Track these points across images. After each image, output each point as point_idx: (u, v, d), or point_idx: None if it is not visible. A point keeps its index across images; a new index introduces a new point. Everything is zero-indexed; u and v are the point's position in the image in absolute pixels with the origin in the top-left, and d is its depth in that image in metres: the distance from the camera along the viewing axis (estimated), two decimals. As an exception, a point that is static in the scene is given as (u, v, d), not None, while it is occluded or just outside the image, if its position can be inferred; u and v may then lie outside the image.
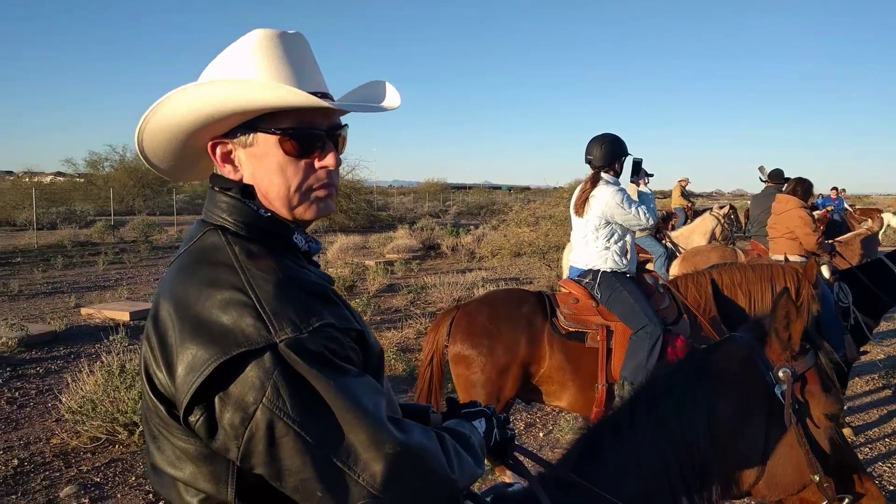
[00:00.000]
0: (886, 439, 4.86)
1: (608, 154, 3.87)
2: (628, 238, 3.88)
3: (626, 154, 3.94)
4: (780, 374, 1.38)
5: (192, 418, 0.90)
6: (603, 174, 3.88)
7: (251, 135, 1.06)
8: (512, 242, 15.30)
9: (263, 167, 1.07)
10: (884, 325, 7.71)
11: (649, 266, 7.00)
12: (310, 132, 1.06)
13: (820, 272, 4.85)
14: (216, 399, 0.88)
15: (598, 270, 3.76)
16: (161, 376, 0.94)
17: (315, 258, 1.18)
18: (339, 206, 24.82)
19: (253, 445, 0.87)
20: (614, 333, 3.63)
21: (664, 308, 3.68)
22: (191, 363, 0.89)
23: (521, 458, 1.37)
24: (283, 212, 1.08)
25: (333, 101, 1.12)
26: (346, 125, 1.16)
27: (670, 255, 8.13)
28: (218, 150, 1.10)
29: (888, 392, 5.91)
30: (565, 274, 5.97)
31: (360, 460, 0.89)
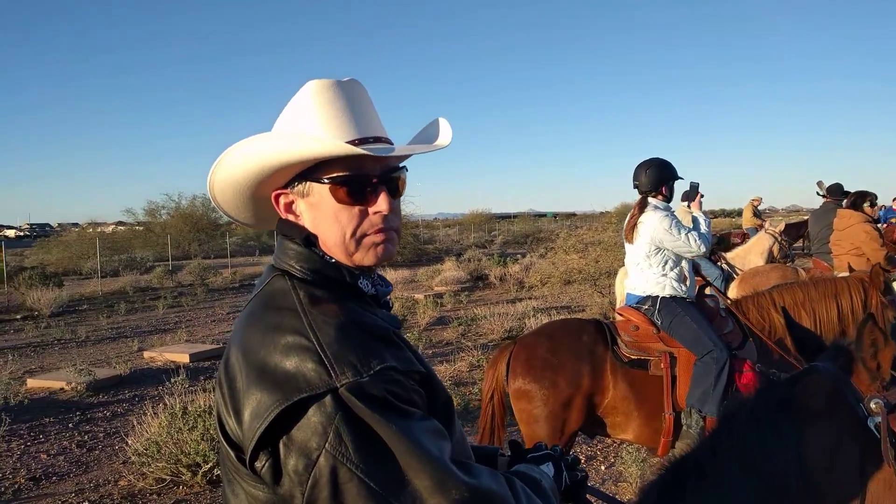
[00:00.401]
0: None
1: (655, 179, 3.82)
2: (685, 263, 3.79)
3: (675, 178, 3.88)
4: (873, 405, 1.28)
5: (258, 464, 0.90)
6: (651, 199, 3.83)
7: (306, 184, 1.09)
8: (561, 270, 15.11)
9: (320, 215, 1.09)
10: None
11: (707, 290, 6.80)
12: (359, 179, 1.07)
13: (891, 288, 4.62)
14: (281, 445, 0.89)
15: (658, 297, 3.68)
16: (231, 422, 0.95)
17: (388, 299, 1.19)
18: (388, 242, 25.10)
19: (317, 492, 0.86)
20: (678, 360, 3.53)
21: (728, 332, 3.55)
22: (256, 409, 0.90)
23: (596, 500, 1.32)
24: (342, 258, 1.09)
25: (391, 144, 1.14)
26: (402, 167, 1.16)
27: (727, 277, 7.89)
28: (281, 201, 1.13)
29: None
30: (619, 300, 5.85)
31: None
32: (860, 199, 6.20)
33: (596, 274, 13.36)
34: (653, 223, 3.72)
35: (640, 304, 3.76)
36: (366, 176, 1.07)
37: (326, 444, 0.86)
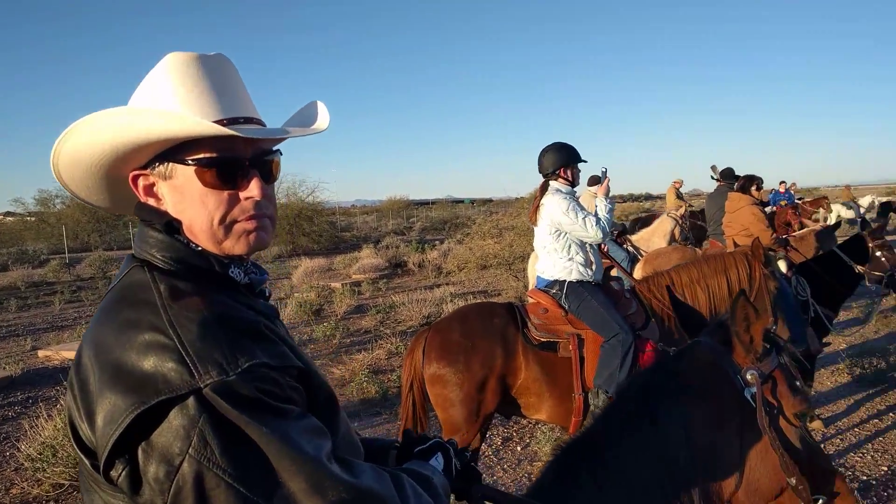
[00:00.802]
0: (855, 429, 4.98)
1: (554, 161, 3.90)
2: (590, 247, 3.91)
3: (576, 161, 3.92)
4: (749, 376, 1.36)
5: (113, 472, 0.83)
6: (552, 182, 3.92)
7: (168, 165, 1.01)
8: (477, 255, 15.33)
9: (185, 200, 1.01)
10: (843, 315, 7.94)
11: (613, 272, 7.07)
12: (228, 161, 1.00)
13: (771, 260, 4.97)
14: (139, 451, 0.82)
15: (565, 281, 3.79)
16: (84, 427, 0.88)
17: (265, 287, 1.12)
18: (301, 230, 24.58)
19: (181, 500, 0.80)
20: (586, 342, 3.65)
21: (632, 313, 3.71)
22: (110, 413, 0.83)
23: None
24: (209, 246, 1.02)
25: (263, 125, 1.07)
26: (277, 150, 1.10)
27: (632, 259, 8.23)
28: (140, 183, 1.04)
29: (853, 381, 6.07)
30: (531, 284, 5.99)
31: None
32: (748, 183, 6.59)
33: (511, 258, 13.65)
34: (552, 206, 3.81)
35: (549, 287, 3.86)
36: (236, 159, 1.00)
37: (190, 449, 0.80)
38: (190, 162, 0.99)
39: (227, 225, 1.01)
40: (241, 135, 0.98)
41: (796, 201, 16.99)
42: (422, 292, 11.28)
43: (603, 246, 5.52)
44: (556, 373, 3.60)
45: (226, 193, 1.00)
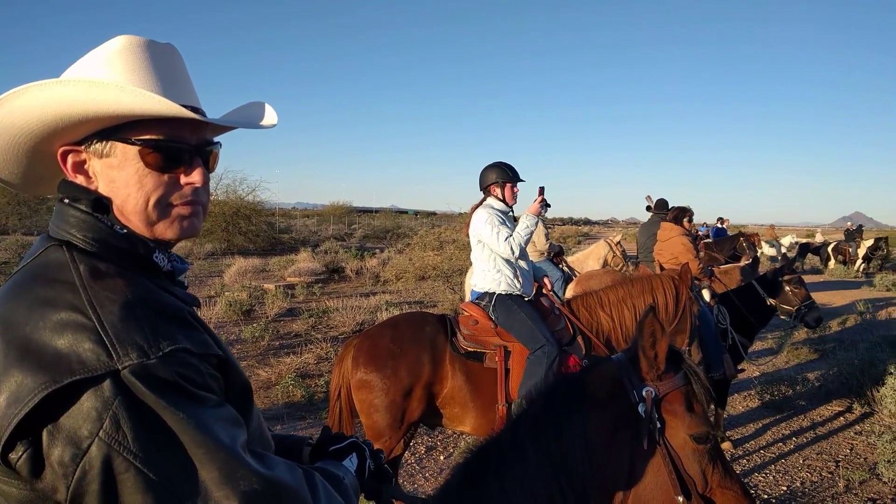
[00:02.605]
0: (761, 451, 5.24)
1: (488, 178, 4.02)
2: (522, 263, 3.99)
3: (510, 179, 3.98)
4: (644, 392, 1.40)
5: (12, 455, 0.78)
6: (488, 199, 4.01)
7: (108, 143, 0.98)
8: (417, 266, 15.37)
9: (121, 179, 0.98)
10: (758, 345, 8.37)
11: (544, 290, 7.23)
12: (176, 145, 1.00)
13: (701, 295, 5.21)
14: (44, 433, 0.78)
15: (494, 293, 3.86)
16: None
17: (182, 278, 1.10)
18: (238, 228, 24.00)
19: (86, 484, 0.77)
20: (512, 354, 3.72)
21: (559, 329, 3.80)
22: (15, 392, 0.78)
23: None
24: (140, 228, 1.00)
25: (206, 116, 1.07)
26: (218, 143, 1.10)
27: (567, 279, 8.44)
28: (69, 159, 1.00)
29: (763, 406, 6.39)
30: (467, 297, 6.06)
31: (212, 498, 0.80)
32: (681, 214, 6.89)
33: (449, 271, 13.76)
34: (476, 218, 3.91)
35: (479, 300, 3.93)
36: (183, 144, 1.00)
37: (101, 432, 0.77)
38: (136, 142, 0.97)
39: (162, 208, 1.00)
40: (205, 119, 0.99)
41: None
42: (357, 299, 11.20)
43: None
44: (481, 383, 3.65)
45: (166, 176, 0.99)
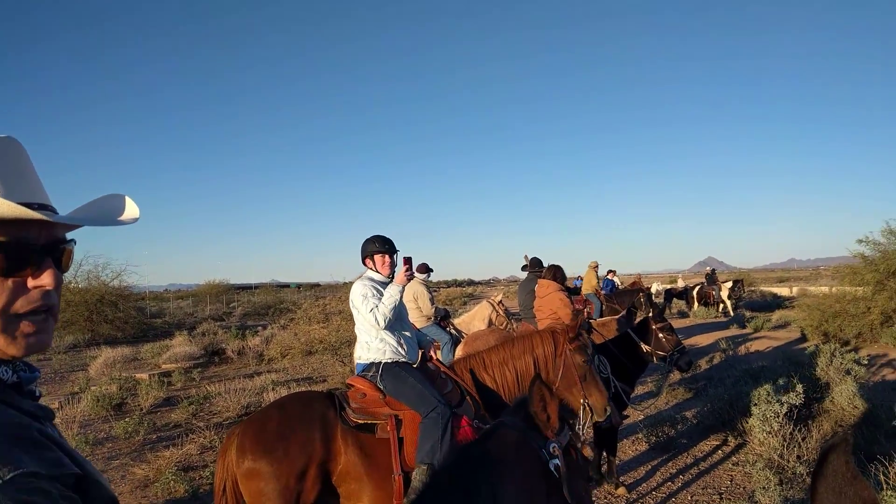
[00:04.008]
0: (653, 493, 5.44)
1: (363, 250, 4.12)
2: (406, 331, 4.02)
3: (381, 251, 4.07)
4: (552, 448, 1.47)
5: None
6: (368, 272, 4.07)
7: None
8: (302, 341, 14.89)
9: None
10: (639, 389, 8.83)
11: (437, 353, 7.27)
12: (21, 247, 0.91)
13: (583, 334, 5.41)
14: None
15: (380, 363, 3.84)
16: None
17: (34, 387, 1.00)
18: (103, 317, 22.24)
19: None
20: (403, 422, 3.67)
21: (448, 392, 3.82)
22: None
23: None
24: None
25: (56, 212, 1.00)
26: (72, 240, 1.03)
27: (455, 341, 8.53)
28: None
29: (650, 449, 6.69)
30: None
31: None
32: (557, 272, 7.25)
33: (337, 343, 13.43)
34: (353, 290, 3.98)
35: (366, 371, 3.89)
36: (30, 244, 0.92)
37: None
38: None
39: (7, 319, 0.90)
40: (52, 219, 0.91)
41: (618, 285, 18.98)
42: (241, 381, 10.63)
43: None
44: (375, 455, 3.56)
45: (10, 281, 0.90)
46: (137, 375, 12.17)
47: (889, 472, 4.17)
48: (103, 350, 15.88)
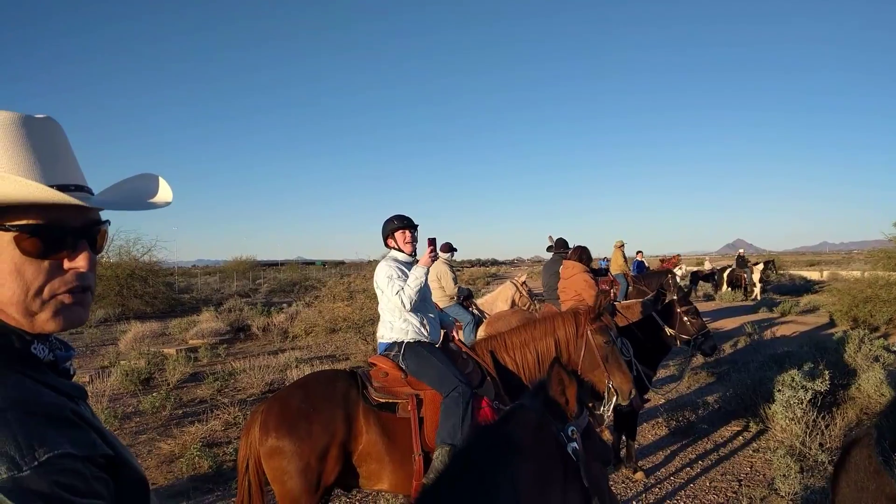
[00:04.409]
0: (671, 478, 5.43)
1: (383, 231, 4.13)
2: (430, 312, 4.03)
3: (401, 226, 4.06)
4: (570, 432, 1.48)
5: None
6: (392, 252, 4.09)
7: None
8: (326, 319, 15.04)
9: None
10: (661, 373, 8.76)
11: (459, 334, 7.30)
12: (57, 229, 0.93)
13: (606, 315, 5.37)
14: None
15: (402, 342, 3.87)
16: None
17: (69, 365, 1.03)
18: (133, 291, 22.72)
19: None
20: (424, 401, 3.70)
21: (469, 372, 3.83)
22: None
23: None
24: (20, 320, 0.92)
25: (92, 194, 1.02)
26: (107, 221, 1.05)
27: (477, 322, 8.55)
28: None
29: (670, 434, 6.66)
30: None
31: None
32: (583, 253, 7.19)
33: (361, 321, 13.54)
34: (378, 271, 4.00)
35: (388, 350, 3.91)
36: (65, 227, 0.93)
37: None
38: (10, 228, 0.90)
39: (45, 298, 0.92)
40: (85, 204, 0.92)
41: (647, 266, 18.84)
42: (265, 358, 10.81)
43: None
44: (395, 434, 3.59)
45: (47, 263, 0.92)
46: (165, 350, 12.45)
47: (914, 463, 4.09)
48: (133, 324, 16.26)
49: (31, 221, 0.91)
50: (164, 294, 25.07)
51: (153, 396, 8.17)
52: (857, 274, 16.45)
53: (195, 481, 5.58)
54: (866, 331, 9.27)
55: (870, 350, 7.34)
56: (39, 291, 0.92)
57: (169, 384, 9.60)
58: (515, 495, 1.38)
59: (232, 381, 9.58)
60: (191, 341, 14.55)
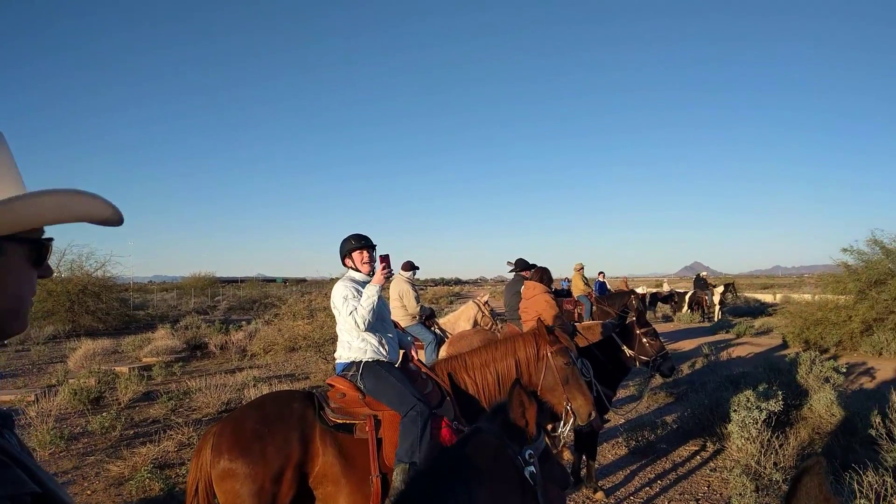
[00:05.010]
0: (631, 497, 5.45)
1: (342, 250, 4.08)
2: (389, 331, 3.99)
3: (358, 246, 4.02)
4: (527, 455, 1.46)
5: None
6: (349, 272, 4.04)
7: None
8: (286, 337, 14.79)
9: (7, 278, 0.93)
10: (621, 393, 8.84)
11: (419, 353, 7.24)
12: (46, 242, 0.98)
13: (565, 337, 5.39)
14: None
15: (361, 362, 3.81)
16: None
17: None
18: (85, 307, 22.01)
19: None
20: (382, 422, 3.64)
21: (428, 392, 3.80)
22: None
23: None
24: (11, 325, 0.95)
25: None
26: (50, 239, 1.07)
27: (439, 341, 8.51)
28: None
29: (630, 453, 6.70)
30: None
31: None
32: (544, 274, 7.24)
33: (321, 340, 13.36)
34: (334, 292, 3.94)
35: (346, 370, 3.85)
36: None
37: None
38: (24, 238, 0.94)
39: (28, 306, 0.98)
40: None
41: (609, 288, 19.06)
42: (222, 377, 10.56)
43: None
44: (353, 455, 3.52)
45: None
46: (117, 369, 12.04)
47: (863, 481, 4.19)
48: (83, 342, 15.68)
49: (35, 234, 0.97)
50: (118, 310, 24.32)
51: (103, 416, 7.87)
52: (808, 297, 16.97)
53: (144, 505, 5.37)
54: (817, 352, 9.53)
55: (820, 371, 7.54)
56: (28, 300, 0.98)
57: (120, 403, 9.28)
58: None
59: (187, 400, 9.30)
60: (145, 359, 14.11)
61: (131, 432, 7.77)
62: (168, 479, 5.71)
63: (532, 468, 1.45)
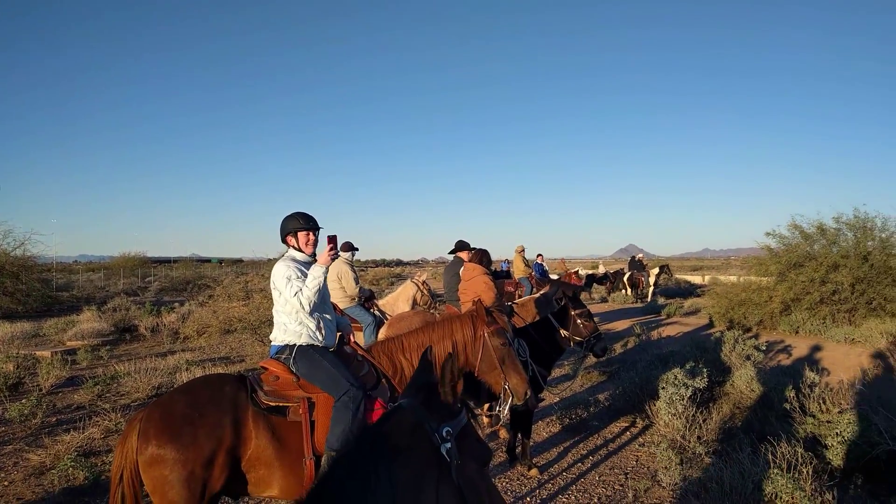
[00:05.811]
0: (564, 473, 5.61)
1: (282, 229, 3.96)
2: (326, 314, 3.92)
3: (301, 228, 3.92)
4: (444, 432, 1.47)
5: None
6: (290, 251, 3.94)
7: None
8: (221, 319, 14.43)
9: None
10: (556, 372, 9.06)
11: (357, 336, 7.19)
12: None
13: (501, 318, 5.49)
14: None
15: (295, 345, 3.75)
16: None
17: None
18: (2, 288, 20.82)
19: None
20: (316, 405, 3.61)
21: (363, 374, 3.78)
22: None
23: None
24: None
25: None
26: None
27: (379, 323, 8.47)
28: None
29: (563, 430, 6.89)
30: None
31: None
32: (483, 256, 7.29)
33: (257, 322, 13.09)
34: (275, 271, 3.83)
35: (279, 353, 3.78)
36: None
37: None
38: None
39: None
40: None
41: (546, 269, 19.35)
42: (153, 360, 10.20)
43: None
44: (286, 438, 3.48)
45: None
46: (38, 353, 11.48)
47: (777, 452, 4.44)
48: (3, 324, 14.86)
49: None
50: (39, 292, 23.10)
51: (21, 403, 7.48)
52: (733, 279, 17.77)
53: (69, 495, 5.16)
54: (740, 331, 10.03)
55: (742, 349, 7.94)
56: None
57: (41, 389, 8.85)
58: (393, 495, 1.39)
59: (115, 385, 8.95)
60: (69, 343, 13.50)
61: (54, 419, 7.43)
62: (94, 468, 5.49)
63: (448, 444, 1.47)
